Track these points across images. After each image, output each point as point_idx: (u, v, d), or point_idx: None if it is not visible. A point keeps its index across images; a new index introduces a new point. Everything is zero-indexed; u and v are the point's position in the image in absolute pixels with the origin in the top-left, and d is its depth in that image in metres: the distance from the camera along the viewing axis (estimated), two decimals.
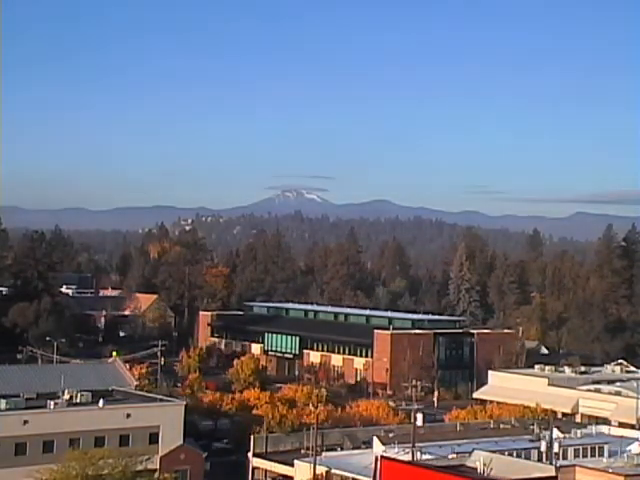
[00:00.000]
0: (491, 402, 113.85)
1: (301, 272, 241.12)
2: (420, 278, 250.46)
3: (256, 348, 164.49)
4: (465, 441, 74.68)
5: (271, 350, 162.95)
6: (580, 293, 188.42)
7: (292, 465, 73.67)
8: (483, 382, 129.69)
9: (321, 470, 70.24)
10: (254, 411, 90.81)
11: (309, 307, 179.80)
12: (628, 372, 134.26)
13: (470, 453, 66.83)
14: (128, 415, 76.61)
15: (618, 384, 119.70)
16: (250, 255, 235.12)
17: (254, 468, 78.83)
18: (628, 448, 73.94)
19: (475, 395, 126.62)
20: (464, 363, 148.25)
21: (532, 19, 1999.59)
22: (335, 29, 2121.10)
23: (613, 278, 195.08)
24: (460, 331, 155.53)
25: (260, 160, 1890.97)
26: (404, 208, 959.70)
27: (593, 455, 73.17)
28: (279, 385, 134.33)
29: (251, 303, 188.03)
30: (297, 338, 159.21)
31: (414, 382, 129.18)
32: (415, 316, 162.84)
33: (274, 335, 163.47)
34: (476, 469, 63.42)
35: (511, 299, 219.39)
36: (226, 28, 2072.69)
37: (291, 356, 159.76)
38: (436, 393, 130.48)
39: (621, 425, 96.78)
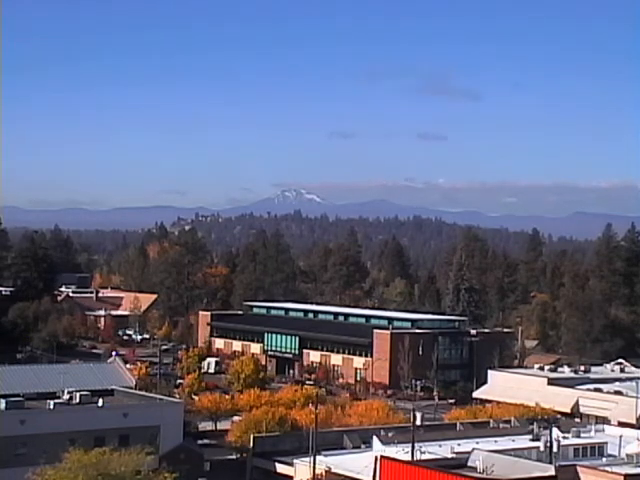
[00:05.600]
0: (491, 402, 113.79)
1: (301, 272, 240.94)
2: (420, 278, 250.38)
3: (256, 348, 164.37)
4: (465, 440, 74.69)
5: (271, 350, 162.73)
6: (580, 292, 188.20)
7: (292, 465, 73.73)
8: (483, 382, 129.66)
9: (321, 470, 70.28)
10: (254, 411, 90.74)
11: (309, 307, 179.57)
12: (628, 372, 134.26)
13: (470, 452, 66.90)
14: (128, 414, 76.65)
15: (618, 384, 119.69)
16: (249, 255, 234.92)
17: (254, 468, 78.89)
18: (628, 448, 73.93)
19: (475, 395, 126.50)
20: (464, 363, 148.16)
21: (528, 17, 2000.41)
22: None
23: (613, 277, 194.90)
24: (460, 331, 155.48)
25: (260, 160, 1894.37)
26: (404, 208, 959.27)
27: (593, 455, 73.18)
28: (279, 385, 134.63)
29: (250, 303, 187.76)
30: (297, 338, 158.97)
31: (414, 381, 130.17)
32: (415, 316, 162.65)
33: (274, 335, 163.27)
34: (476, 468, 63.49)
35: (511, 299, 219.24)
36: (228, 27, 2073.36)
37: (291, 356, 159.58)
38: (436, 392, 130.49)
39: (621, 424, 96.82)
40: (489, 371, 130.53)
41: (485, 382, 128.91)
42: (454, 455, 68.10)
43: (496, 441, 76.32)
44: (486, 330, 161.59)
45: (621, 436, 77.39)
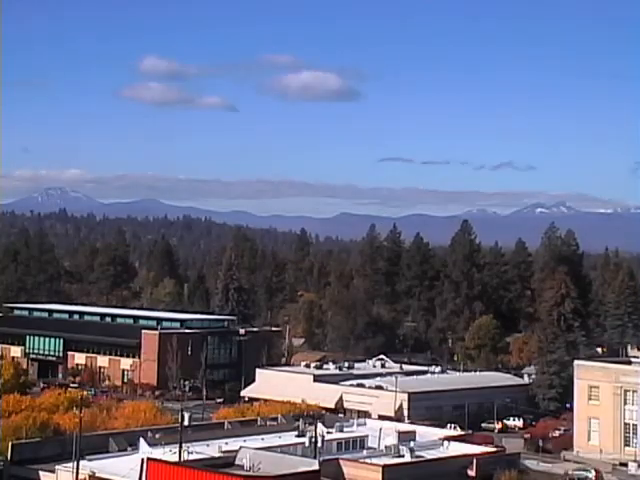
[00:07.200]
0: (259, 400, 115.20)
1: (66, 272, 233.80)
2: (189, 278, 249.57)
3: (16, 351, 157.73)
4: (233, 439, 75.19)
5: (33, 353, 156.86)
6: (344, 291, 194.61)
7: (53, 471, 71.20)
8: (251, 380, 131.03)
9: (84, 475, 68.31)
10: (13, 417, 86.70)
11: (74, 308, 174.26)
12: (388, 367, 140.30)
13: (237, 451, 67.43)
14: None
15: (379, 379, 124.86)
16: (10, 255, 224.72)
17: (12, 477, 75.39)
18: (387, 439, 77.23)
19: (243, 393, 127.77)
20: (232, 362, 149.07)
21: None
22: None
23: (375, 277, 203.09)
24: (229, 330, 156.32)
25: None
26: (173, 207, 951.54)
27: (355, 448, 75.92)
28: (42, 387, 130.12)
29: (11, 305, 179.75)
30: (61, 340, 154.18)
31: (182, 382, 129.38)
32: (184, 316, 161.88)
33: (36, 337, 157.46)
34: (243, 466, 64.09)
35: (279, 298, 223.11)
36: None
37: (54, 359, 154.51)
38: (204, 392, 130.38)
39: (381, 417, 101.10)
40: (257, 370, 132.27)
41: (253, 380, 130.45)
42: (222, 454, 68.39)
43: (263, 439, 77.46)
44: (255, 329, 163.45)
45: (381, 429, 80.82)
